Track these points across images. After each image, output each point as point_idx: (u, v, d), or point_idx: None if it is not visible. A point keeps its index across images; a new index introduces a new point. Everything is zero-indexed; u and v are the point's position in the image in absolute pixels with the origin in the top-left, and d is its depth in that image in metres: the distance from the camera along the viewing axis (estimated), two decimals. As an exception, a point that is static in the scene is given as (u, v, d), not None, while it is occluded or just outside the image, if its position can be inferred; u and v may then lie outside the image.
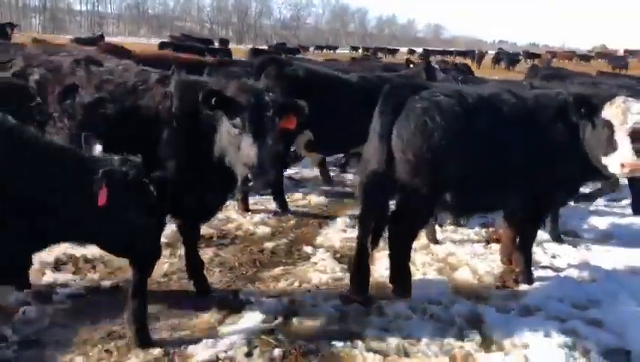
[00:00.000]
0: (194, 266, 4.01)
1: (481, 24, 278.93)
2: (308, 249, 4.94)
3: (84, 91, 3.56)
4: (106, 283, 4.10)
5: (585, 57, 54.90)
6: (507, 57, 41.73)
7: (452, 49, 69.14)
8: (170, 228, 4.30)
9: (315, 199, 6.54)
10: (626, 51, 65.46)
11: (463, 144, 3.67)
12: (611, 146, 3.63)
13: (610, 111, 3.64)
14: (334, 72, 6.61)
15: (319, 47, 63.72)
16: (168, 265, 4.40)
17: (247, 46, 42.04)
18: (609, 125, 3.65)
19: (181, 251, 4.30)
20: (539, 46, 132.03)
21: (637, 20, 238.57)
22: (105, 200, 2.67)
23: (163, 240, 3.72)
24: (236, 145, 3.05)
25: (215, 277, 4.30)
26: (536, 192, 4.03)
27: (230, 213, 5.75)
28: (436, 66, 9.37)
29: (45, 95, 3.63)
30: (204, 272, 4.07)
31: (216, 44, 33.15)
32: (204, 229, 4.85)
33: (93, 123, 3.44)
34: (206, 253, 4.64)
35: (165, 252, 4.33)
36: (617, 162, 3.60)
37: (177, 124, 3.34)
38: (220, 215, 5.59)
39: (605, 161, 3.69)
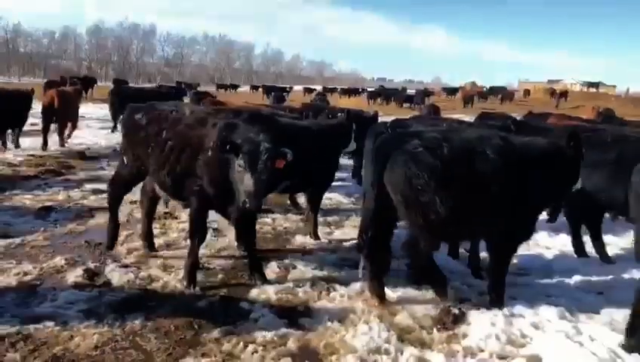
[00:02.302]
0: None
1: (361, 61, 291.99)
2: (244, 304, 4.77)
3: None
4: None
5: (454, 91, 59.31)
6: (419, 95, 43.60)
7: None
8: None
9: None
10: (491, 88, 71.44)
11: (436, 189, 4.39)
12: None
13: None
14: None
15: (221, 86, 63.09)
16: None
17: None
18: None
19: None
20: (414, 82, 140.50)
21: (498, 60, 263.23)
22: None
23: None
24: (241, 177, 4.35)
25: (152, 345, 4.01)
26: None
27: (153, 271, 5.43)
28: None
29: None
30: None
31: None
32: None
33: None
34: (136, 319, 4.34)
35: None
36: None
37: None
38: (143, 273, 5.31)
39: None
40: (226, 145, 4.38)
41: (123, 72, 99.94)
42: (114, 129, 17.33)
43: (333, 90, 59.17)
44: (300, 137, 6.38)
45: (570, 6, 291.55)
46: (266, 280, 5.26)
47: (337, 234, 7.30)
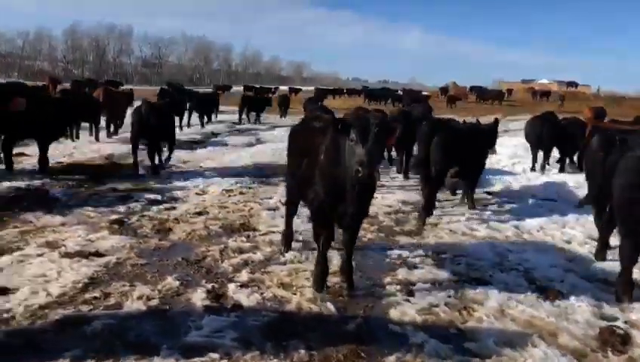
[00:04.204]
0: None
1: (338, 62, 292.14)
2: (395, 327, 4.50)
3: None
4: None
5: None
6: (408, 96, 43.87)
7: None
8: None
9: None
10: (471, 88, 72.12)
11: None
12: None
13: None
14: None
15: (218, 88, 62.03)
16: None
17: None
18: None
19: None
20: (389, 82, 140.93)
21: (481, 61, 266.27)
22: None
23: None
24: (352, 151, 4.44)
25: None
26: None
27: (274, 290, 5.12)
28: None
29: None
30: None
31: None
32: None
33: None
34: (297, 348, 4.05)
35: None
36: None
37: None
38: (266, 293, 5.02)
39: None
40: (338, 125, 4.62)
41: (99, 72, 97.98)
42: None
43: (338, 92, 59.47)
44: (470, 136, 8.83)
45: (542, 6, 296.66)
46: (353, 289, 5.24)
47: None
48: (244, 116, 26.03)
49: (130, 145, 11.36)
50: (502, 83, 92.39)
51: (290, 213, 6.38)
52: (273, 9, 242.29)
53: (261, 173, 12.05)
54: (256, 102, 27.64)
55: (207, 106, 23.37)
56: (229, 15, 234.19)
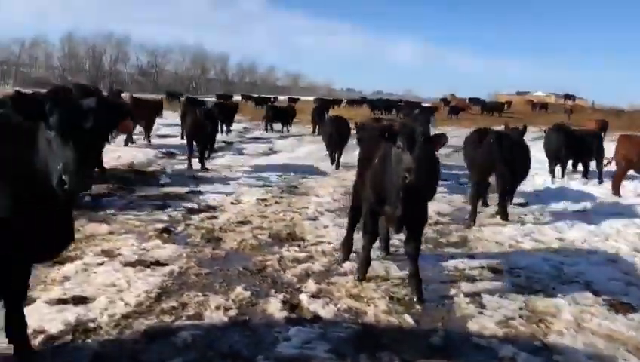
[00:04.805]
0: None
1: (333, 72, 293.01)
2: (481, 341, 4.47)
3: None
4: None
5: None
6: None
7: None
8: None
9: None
10: (470, 100, 72.62)
11: None
12: None
13: None
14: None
15: (220, 97, 61.64)
16: None
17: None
18: None
19: None
20: (383, 93, 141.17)
21: (479, 72, 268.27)
22: None
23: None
24: (398, 157, 4.69)
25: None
26: None
27: (347, 301, 5.08)
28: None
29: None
30: None
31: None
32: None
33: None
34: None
35: None
36: None
37: None
38: (339, 304, 4.98)
39: None
40: (385, 133, 4.87)
41: (96, 80, 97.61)
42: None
43: (337, 102, 59.71)
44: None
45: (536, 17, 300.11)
46: (423, 302, 5.18)
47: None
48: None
49: (159, 151, 11.42)
50: (498, 95, 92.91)
51: (353, 221, 6.33)
52: (268, 18, 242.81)
53: (286, 182, 12.06)
54: (281, 112, 28.03)
55: (228, 116, 23.65)
56: (225, 25, 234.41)
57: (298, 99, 63.83)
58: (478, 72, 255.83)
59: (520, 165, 9.14)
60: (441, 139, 5.03)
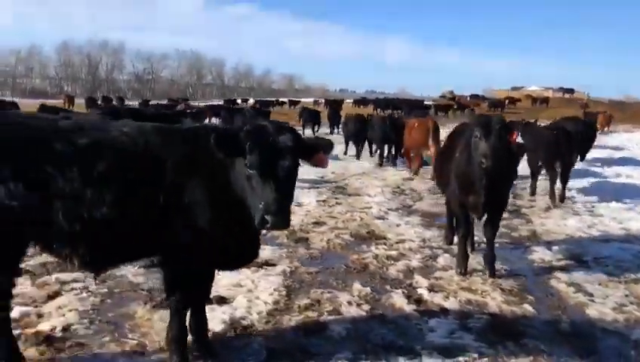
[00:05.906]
0: None
1: (327, 74, 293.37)
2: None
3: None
4: None
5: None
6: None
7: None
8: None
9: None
10: (471, 96, 73.14)
11: None
12: None
13: None
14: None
15: (227, 102, 61.56)
16: None
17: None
18: None
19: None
20: (376, 92, 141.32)
21: (472, 70, 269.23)
22: None
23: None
24: (477, 145, 5.20)
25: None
26: None
27: (464, 295, 5.30)
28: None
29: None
30: None
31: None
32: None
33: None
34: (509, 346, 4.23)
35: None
36: None
37: None
38: (459, 296, 5.18)
39: None
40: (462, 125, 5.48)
41: (92, 88, 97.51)
42: None
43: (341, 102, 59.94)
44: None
45: (527, 13, 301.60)
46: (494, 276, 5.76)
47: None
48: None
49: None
50: (493, 91, 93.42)
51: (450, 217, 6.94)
52: (261, 22, 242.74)
53: (328, 181, 12.26)
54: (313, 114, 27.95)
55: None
56: (219, 30, 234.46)
57: (298, 101, 63.98)
58: (470, 69, 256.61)
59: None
60: (514, 129, 5.43)
